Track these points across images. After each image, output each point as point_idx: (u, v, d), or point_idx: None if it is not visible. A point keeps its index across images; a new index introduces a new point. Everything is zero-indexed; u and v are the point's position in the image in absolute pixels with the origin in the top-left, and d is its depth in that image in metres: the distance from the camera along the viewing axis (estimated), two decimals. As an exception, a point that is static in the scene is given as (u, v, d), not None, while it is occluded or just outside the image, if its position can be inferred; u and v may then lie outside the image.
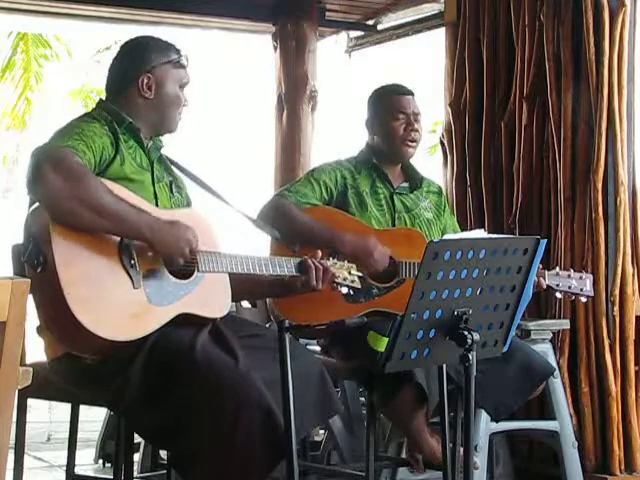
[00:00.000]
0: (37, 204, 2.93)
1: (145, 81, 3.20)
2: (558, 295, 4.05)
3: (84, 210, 2.85)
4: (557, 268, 4.06)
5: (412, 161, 4.15)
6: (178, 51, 3.27)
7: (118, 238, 2.95)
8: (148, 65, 3.21)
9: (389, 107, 4.03)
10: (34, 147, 2.94)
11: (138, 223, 2.92)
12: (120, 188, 3.01)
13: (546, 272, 3.97)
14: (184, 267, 3.04)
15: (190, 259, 3.02)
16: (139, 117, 3.20)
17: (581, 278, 4.04)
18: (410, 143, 4.03)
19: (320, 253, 3.37)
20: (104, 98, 3.29)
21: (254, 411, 2.86)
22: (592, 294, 4.12)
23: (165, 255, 2.98)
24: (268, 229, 3.58)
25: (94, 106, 3.28)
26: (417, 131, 4.03)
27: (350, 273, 3.47)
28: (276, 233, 3.60)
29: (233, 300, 3.26)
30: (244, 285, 3.32)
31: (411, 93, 4.08)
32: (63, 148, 2.91)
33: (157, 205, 3.16)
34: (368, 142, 4.11)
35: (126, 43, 3.32)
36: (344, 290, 3.49)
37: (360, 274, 3.54)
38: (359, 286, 3.52)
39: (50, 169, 2.84)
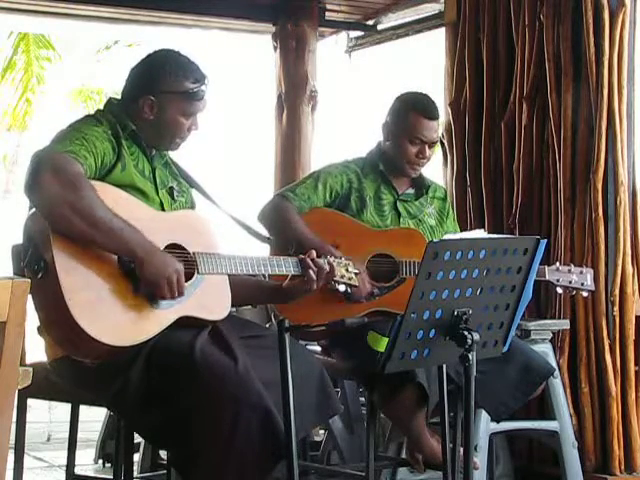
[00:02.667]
0: (35, 209, 2.93)
1: (147, 103, 3.15)
2: (559, 290, 4.05)
3: (76, 219, 2.82)
4: (557, 263, 4.06)
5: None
6: (197, 80, 3.17)
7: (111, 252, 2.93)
8: (156, 88, 3.15)
9: (410, 126, 3.96)
10: (35, 149, 2.93)
11: (129, 241, 2.88)
12: (122, 193, 3.01)
13: (546, 267, 3.96)
14: (186, 268, 3.03)
15: (173, 293, 2.96)
16: (140, 129, 3.17)
17: (582, 273, 4.04)
18: (416, 167, 4.01)
19: (314, 253, 3.35)
20: (114, 99, 3.26)
21: (253, 412, 2.86)
22: (593, 288, 4.12)
23: (150, 278, 2.91)
24: (262, 237, 3.57)
25: (102, 105, 3.25)
26: (426, 158, 4.00)
27: (347, 270, 3.47)
28: (270, 240, 3.59)
29: (233, 305, 3.26)
30: (244, 291, 3.31)
31: (437, 117, 4.01)
32: (64, 154, 2.89)
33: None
34: (380, 143, 4.09)
35: (151, 54, 3.25)
36: (342, 288, 3.48)
37: (357, 271, 3.53)
38: (357, 284, 3.51)
39: (49, 174, 2.83)
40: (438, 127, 4.04)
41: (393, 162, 4.02)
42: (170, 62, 3.20)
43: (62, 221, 2.84)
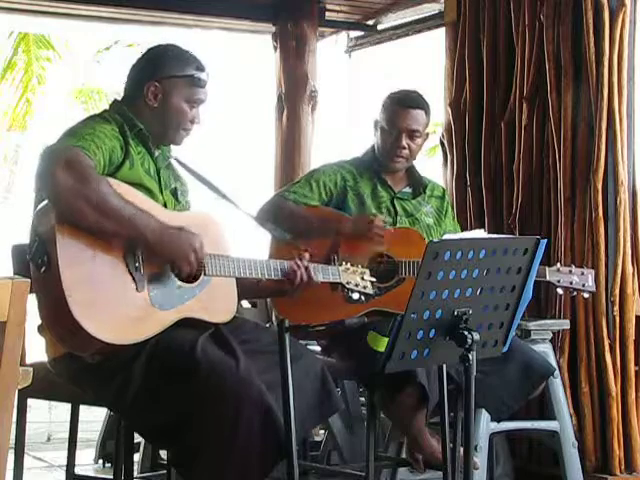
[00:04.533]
0: (43, 203, 2.93)
1: (152, 89, 3.17)
2: (560, 291, 4.05)
3: (90, 209, 2.85)
4: (558, 264, 4.06)
5: (414, 163, 4.14)
6: (198, 68, 3.21)
7: (123, 240, 2.94)
8: (159, 74, 3.17)
9: (387, 117, 3.99)
10: (38, 148, 2.94)
11: (143, 226, 2.91)
12: (133, 190, 3.02)
13: (546, 268, 3.96)
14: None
15: (196, 267, 3.00)
16: (145, 124, 3.18)
17: (583, 274, 4.05)
18: (395, 158, 3.99)
19: (308, 255, 3.33)
20: (119, 99, 3.27)
21: (254, 411, 2.86)
22: (594, 289, 4.12)
23: (169, 260, 2.97)
24: (276, 231, 3.57)
25: (108, 106, 3.27)
26: (404, 148, 3.96)
27: (363, 278, 3.47)
28: (283, 234, 3.59)
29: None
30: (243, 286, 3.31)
31: (417, 106, 3.98)
32: (74, 148, 2.91)
33: None
34: (373, 143, 4.10)
35: (150, 49, 3.28)
36: (355, 296, 3.48)
37: (374, 279, 3.53)
38: (371, 292, 3.51)
39: (60, 168, 2.85)
40: (417, 118, 3.96)
41: (379, 158, 4.03)
42: (171, 50, 3.25)
43: (76, 212, 2.85)
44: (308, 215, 3.85)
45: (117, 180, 3.00)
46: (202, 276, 3.06)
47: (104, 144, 3.00)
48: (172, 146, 3.31)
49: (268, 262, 3.23)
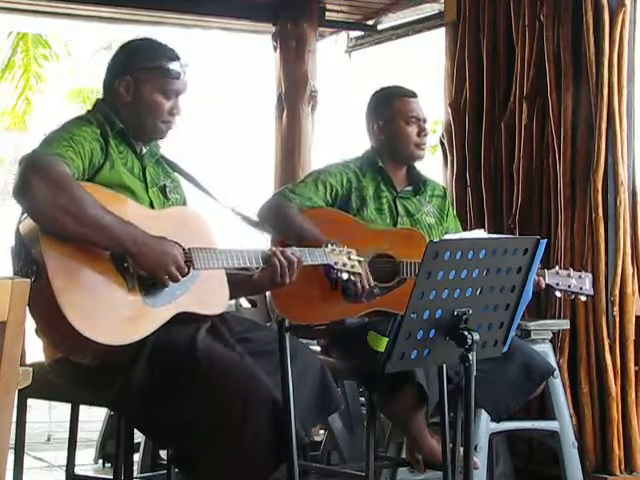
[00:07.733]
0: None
1: (123, 84, 3.14)
2: (557, 294, 4.07)
3: (67, 219, 2.82)
4: (556, 267, 4.07)
5: (415, 163, 4.16)
6: (170, 58, 3.16)
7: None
8: (128, 68, 3.14)
9: (400, 110, 4.03)
10: (25, 152, 2.92)
11: (121, 236, 2.88)
12: (113, 194, 3.00)
13: (545, 271, 3.97)
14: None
15: (178, 275, 2.97)
16: (124, 121, 3.15)
17: (580, 277, 4.05)
18: (422, 146, 4.06)
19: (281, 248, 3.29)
20: (101, 98, 3.24)
21: (262, 406, 2.84)
22: (592, 293, 4.12)
23: (148, 270, 2.93)
24: (265, 228, 3.55)
25: (92, 106, 3.25)
26: (427, 134, 4.08)
27: (350, 258, 3.46)
28: (270, 231, 3.57)
29: None
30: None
31: (416, 95, 4.10)
32: (51, 156, 2.87)
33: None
34: (373, 145, 4.10)
35: (121, 45, 3.26)
36: (345, 276, 3.47)
37: (360, 258, 3.51)
38: (360, 271, 3.50)
39: (35, 178, 2.81)
40: (420, 104, 4.09)
41: (398, 153, 4.04)
42: (143, 43, 3.23)
43: (53, 223, 2.83)
44: (300, 232, 3.81)
45: (97, 184, 2.98)
46: (191, 270, 3.05)
47: (83, 148, 2.97)
48: (160, 142, 3.28)
49: (256, 251, 3.22)
